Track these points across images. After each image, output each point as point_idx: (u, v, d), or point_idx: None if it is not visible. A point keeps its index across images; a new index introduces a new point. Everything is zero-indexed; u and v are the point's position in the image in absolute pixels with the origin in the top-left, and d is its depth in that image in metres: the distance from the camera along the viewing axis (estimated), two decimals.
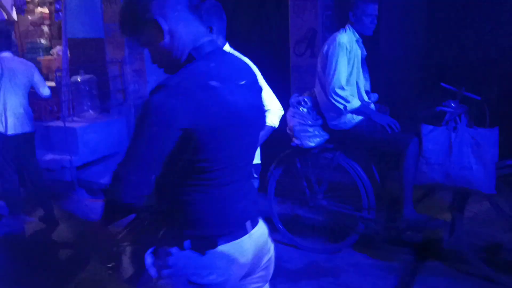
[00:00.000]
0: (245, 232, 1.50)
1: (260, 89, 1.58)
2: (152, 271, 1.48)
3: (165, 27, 1.40)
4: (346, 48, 3.36)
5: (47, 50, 6.69)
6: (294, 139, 3.60)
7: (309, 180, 3.77)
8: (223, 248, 1.45)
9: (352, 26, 3.45)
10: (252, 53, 5.44)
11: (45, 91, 4.20)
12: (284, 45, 4.89)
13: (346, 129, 3.52)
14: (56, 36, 6.75)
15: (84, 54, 5.79)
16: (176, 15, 1.40)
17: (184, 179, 1.43)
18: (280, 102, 2.68)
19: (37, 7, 6.92)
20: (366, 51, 3.55)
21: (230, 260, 1.46)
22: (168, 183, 1.46)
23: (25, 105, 4.07)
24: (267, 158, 4.23)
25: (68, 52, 5.43)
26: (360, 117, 3.48)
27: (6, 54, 4.02)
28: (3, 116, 3.95)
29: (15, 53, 4.65)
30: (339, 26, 3.57)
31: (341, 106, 3.37)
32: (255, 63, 2.36)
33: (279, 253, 3.67)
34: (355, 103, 3.39)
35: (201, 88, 1.33)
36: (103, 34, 5.73)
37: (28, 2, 6.64)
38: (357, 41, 3.45)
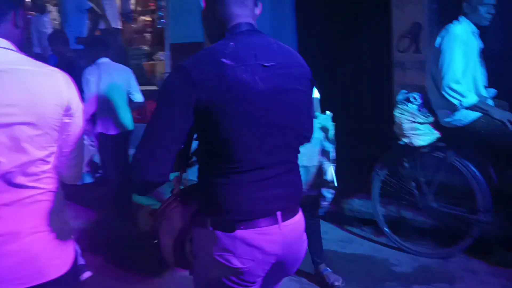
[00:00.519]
0: (274, 222, 1.45)
1: (299, 79, 1.50)
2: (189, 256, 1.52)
3: (203, 4, 1.48)
4: (462, 40, 3.17)
5: (149, 55, 7.05)
6: (402, 138, 3.45)
7: (418, 181, 3.61)
8: (244, 233, 1.42)
9: (466, 17, 3.25)
10: (352, 49, 5.44)
11: (137, 97, 4.39)
12: (385, 40, 4.73)
13: (460, 126, 3.31)
14: (157, 42, 7.09)
15: (185, 58, 6.00)
16: None
17: (206, 161, 1.45)
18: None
19: (140, 15, 7.32)
20: (483, 43, 3.32)
21: (251, 246, 1.42)
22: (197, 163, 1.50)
23: (123, 106, 4.30)
24: (368, 157, 4.15)
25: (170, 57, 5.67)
26: (476, 114, 3.26)
27: (104, 60, 4.29)
28: (104, 117, 4.25)
29: (121, 59, 4.93)
30: (445, 20, 3.38)
31: (456, 102, 3.18)
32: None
33: (385, 256, 3.60)
34: (472, 98, 3.18)
35: (213, 65, 1.35)
36: (203, 38, 5.91)
37: (132, 11, 7.03)
38: (473, 32, 3.24)
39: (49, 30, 6.74)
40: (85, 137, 4.34)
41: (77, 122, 1.43)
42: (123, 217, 4.37)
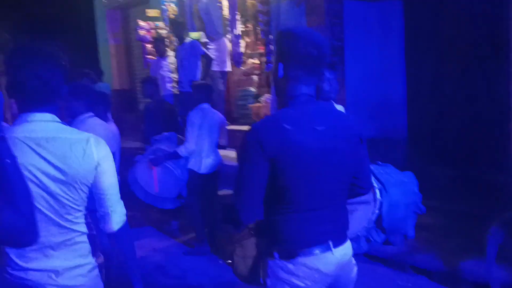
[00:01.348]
0: (327, 248, 1.81)
1: (348, 140, 1.82)
2: (262, 278, 1.88)
3: (281, 73, 1.81)
4: None
5: (256, 97, 7.28)
6: None
7: None
8: (304, 260, 1.78)
9: None
10: (465, 91, 5.15)
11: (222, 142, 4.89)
12: (503, 83, 4.42)
13: None
14: (264, 84, 7.32)
15: None
16: (288, 65, 1.79)
17: (271, 202, 1.78)
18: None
19: (249, 58, 7.63)
20: None
21: (312, 269, 1.79)
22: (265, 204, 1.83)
23: (214, 149, 4.78)
24: (483, 210, 3.83)
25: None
26: None
27: (205, 106, 4.73)
28: (199, 158, 4.67)
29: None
30: None
31: None
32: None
33: None
34: None
35: (276, 129, 1.71)
36: None
37: (242, 54, 7.35)
38: None
39: (166, 73, 7.31)
40: (179, 171, 4.85)
41: (108, 177, 1.82)
42: (205, 242, 4.76)
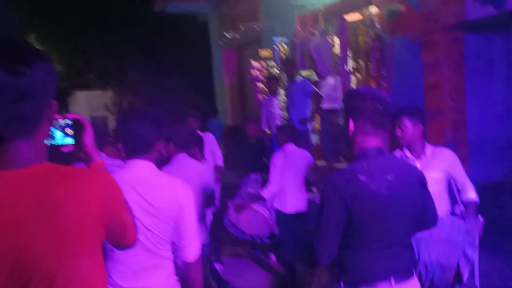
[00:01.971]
0: (389, 285, 2.00)
1: (413, 185, 2.08)
2: None
3: (352, 128, 2.07)
4: None
5: None
6: None
7: None
8: None
9: None
10: None
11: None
12: None
13: None
14: None
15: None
16: (358, 120, 2.04)
17: (343, 238, 2.02)
18: None
19: None
20: None
21: None
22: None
23: (301, 189, 4.83)
24: None
25: None
26: None
27: (289, 146, 4.84)
28: (284, 198, 4.79)
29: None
30: None
31: None
32: None
33: None
34: None
35: (353, 180, 1.97)
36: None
37: None
38: None
39: (277, 111, 7.42)
40: (267, 212, 5.03)
41: (188, 217, 2.19)
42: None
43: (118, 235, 1.50)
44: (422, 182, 2.13)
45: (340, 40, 6.64)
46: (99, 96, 22.18)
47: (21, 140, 1.27)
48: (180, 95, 14.77)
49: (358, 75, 7.44)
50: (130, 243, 1.60)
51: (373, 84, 6.91)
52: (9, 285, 1.21)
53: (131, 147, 2.20)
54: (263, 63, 8.65)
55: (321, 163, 6.71)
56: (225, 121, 10.65)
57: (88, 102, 24.43)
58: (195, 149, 4.04)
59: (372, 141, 2.05)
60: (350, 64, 6.90)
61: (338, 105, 6.89)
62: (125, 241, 1.57)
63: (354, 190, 1.95)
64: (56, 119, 1.45)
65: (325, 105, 6.84)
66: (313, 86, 6.89)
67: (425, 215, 2.17)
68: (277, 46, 8.05)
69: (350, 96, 2.12)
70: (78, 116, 1.55)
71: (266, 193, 4.79)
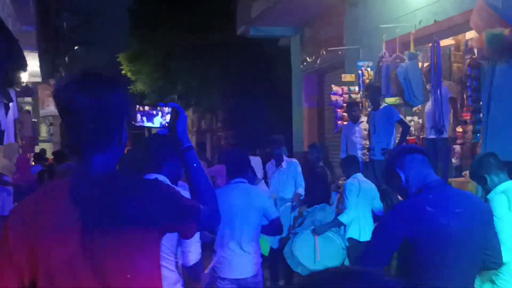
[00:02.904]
0: None
1: (480, 220, 2.04)
2: None
3: (402, 176, 2.09)
4: None
5: (458, 170, 6.41)
6: None
7: None
8: None
9: None
10: None
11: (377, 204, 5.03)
12: None
13: None
14: (468, 156, 6.42)
15: None
16: (409, 166, 2.09)
17: (403, 273, 2.03)
18: None
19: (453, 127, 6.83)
20: None
21: None
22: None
23: (369, 218, 4.92)
24: None
25: None
26: None
27: (359, 175, 5.07)
28: (358, 225, 4.85)
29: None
30: None
31: None
32: None
33: None
34: None
35: (419, 211, 1.98)
36: None
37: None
38: None
39: (358, 139, 6.97)
40: (340, 240, 4.95)
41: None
42: None
43: (185, 228, 1.59)
44: (490, 217, 2.13)
45: (432, 66, 6.11)
46: None
47: (96, 154, 1.47)
48: (260, 119, 14.75)
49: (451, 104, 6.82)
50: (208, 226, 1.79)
51: (468, 115, 6.28)
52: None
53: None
54: (345, 88, 8.25)
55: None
56: (302, 148, 10.35)
57: None
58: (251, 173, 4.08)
59: (431, 174, 2.09)
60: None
61: (428, 135, 6.29)
62: (194, 228, 1.60)
63: (421, 220, 1.95)
64: (157, 106, 1.68)
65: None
66: (399, 114, 6.39)
67: (490, 254, 2.13)
68: (361, 71, 7.64)
69: (391, 155, 2.32)
70: (175, 105, 1.71)
71: (345, 218, 4.78)
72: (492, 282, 2.87)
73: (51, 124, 22.05)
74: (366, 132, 6.94)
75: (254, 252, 3.46)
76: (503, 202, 2.84)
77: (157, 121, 1.69)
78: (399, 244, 1.97)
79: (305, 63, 10.79)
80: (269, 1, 9.85)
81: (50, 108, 19.67)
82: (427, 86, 6.37)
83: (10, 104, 7.20)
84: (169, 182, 2.35)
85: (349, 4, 8.72)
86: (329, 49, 9.16)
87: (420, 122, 7.29)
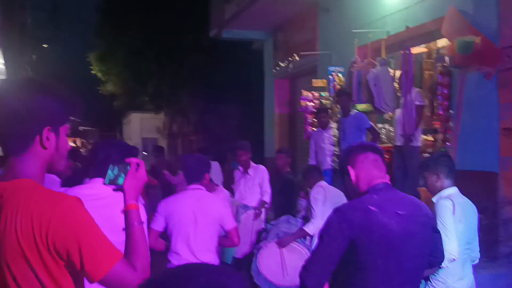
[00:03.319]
0: None
1: (423, 223, 2.10)
2: None
3: (352, 173, 2.16)
4: None
5: None
6: None
7: None
8: None
9: None
10: None
11: None
12: None
13: None
14: None
15: (473, 188, 5.06)
16: (360, 166, 2.15)
17: (346, 280, 2.04)
18: None
19: (422, 135, 6.75)
20: None
21: None
22: (338, 278, 2.09)
23: None
24: None
25: None
26: None
27: (323, 183, 4.83)
28: None
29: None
30: None
31: None
32: None
33: None
34: None
35: (362, 210, 2.00)
36: (496, 169, 4.91)
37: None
38: None
39: (327, 146, 6.81)
40: (306, 251, 4.58)
41: None
42: None
43: (77, 264, 1.42)
44: (431, 220, 2.17)
45: (404, 73, 6.00)
46: (152, 119, 22.42)
47: (14, 157, 1.49)
48: (230, 123, 14.53)
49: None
50: (93, 277, 1.43)
51: (438, 124, 6.19)
52: None
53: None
54: (316, 94, 8.10)
55: None
56: (273, 154, 10.16)
57: (141, 123, 24.81)
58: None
59: (379, 177, 2.11)
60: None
61: (397, 142, 6.17)
62: (86, 274, 1.43)
63: (364, 220, 1.95)
64: (116, 164, 1.72)
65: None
66: (369, 121, 6.26)
67: (434, 254, 2.18)
68: (332, 76, 7.50)
69: (346, 152, 2.32)
70: (134, 160, 1.70)
71: (311, 228, 4.48)
72: (426, 279, 2.91)
73: None
74: (335, 139, 6.80)
75: (210, 262, 3.22)
76: (448, 206, 2.85)
77: (108, 176, 1.72)
78: (346, 246, 1.96)
79: (277, 68, 10.63)
80: (240, 4, 9.67)
81: None
82: (398, 93, 6.27)
83: None
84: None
85: (322, 9, 8.61)
86: (301, 53, 9.01)
87: (392, 130, 7.20)
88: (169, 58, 16.01)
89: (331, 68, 7.56)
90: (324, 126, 6.80)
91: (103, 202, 2.19)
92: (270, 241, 4.68)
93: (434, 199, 2.99)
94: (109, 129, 31.17)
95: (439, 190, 2.96)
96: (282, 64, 10.37)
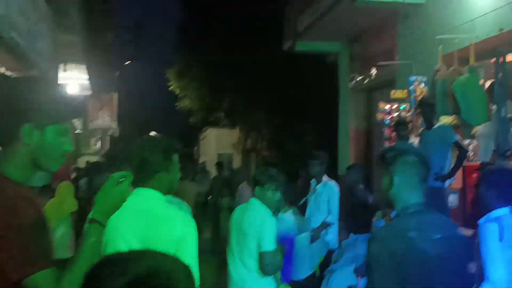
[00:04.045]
0: None
1: (457, 245, 2.01)
2: None
3: (396, 181, 2.07)
4: None
5: None
6: None
7: None
8: None
9: None
10: None
11: None
12: None
13: None
14: None
15: None
16: (405, 176, 2.04)
17: None
18: None
19: None
20: None
21: None
22: None
23: None
24: None
25: None
26: None
27: None
28: None
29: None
30: None
31: None
32: None
33: None
34: None
35: (401, 236, 1.92)
36: None
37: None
38: None
39: None
40: None
41: None
42: None
43: None
44: (466, 246, 2.12)
45: (497, 82, 5.30)
46: (227, 135, 22.57)
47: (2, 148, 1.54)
48: (304, 139, 14.15)
49: None
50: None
51: None
52: None
53: None
54: (395, 106, 7.50)
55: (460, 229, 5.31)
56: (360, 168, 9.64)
57: (216, 139, 25.11)
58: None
59: (417, 196, 2.03)
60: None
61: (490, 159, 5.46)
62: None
63: (404, 248, 1.90)
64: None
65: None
66: (455, 134, 5.62)
67: (468, 277, 2.15)
68: (413, 86, 6.89)
69: (391, 151, 2.13)
70: (122, 175, 1.61)
71: None
72: None
73: (99, 138, 22.33)
74: None
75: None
76: (493, 231, 2.68)
77: None
78: (398, 272, 1.90)
79: (353, 80, 10.15)
80: (315, 14, 9.34)
81: (98, 121, 19.93)
82: (489, 105, 5.56)
83: None
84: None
85: (401, 16, 8.05)
86: (379, 63, 8.47)
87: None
88: (243, 73, 16.01)
89: (412, 78, 6.95)
90: (403, 140, 6.23)
91: None
92: (346, 264, 4.14)
93: (480, 221, 2.82)
94: (187, 145, 31.95)
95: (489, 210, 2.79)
96: (358, 76, 9.87)
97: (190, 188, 7.72)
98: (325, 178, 5.58)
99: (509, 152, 5.05)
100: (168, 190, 2.24)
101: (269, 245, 3.29)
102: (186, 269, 1.00)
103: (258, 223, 3.31)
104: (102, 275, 0.94)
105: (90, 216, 1.55)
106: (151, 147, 2.18)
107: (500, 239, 2.61)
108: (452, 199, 6.09)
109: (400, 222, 2.02)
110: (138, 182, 2.12)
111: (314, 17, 9.41)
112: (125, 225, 2.05)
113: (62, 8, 8.53)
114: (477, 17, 6.07)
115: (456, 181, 5.94)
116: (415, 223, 1.96)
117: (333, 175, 8.03)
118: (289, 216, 4.46)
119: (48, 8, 6.85)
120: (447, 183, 5.58)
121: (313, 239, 5.08)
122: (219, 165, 11.01)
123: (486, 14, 5.92)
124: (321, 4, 9.03)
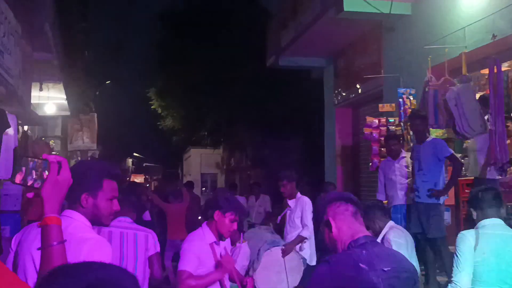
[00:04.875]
0: None
1: (406, 278, 1.98)
2: None
3: (333, 224, 2.09)
4: None
5: None
6: None
7: None
8: None
9: None
10: None
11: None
12: None
13: None
14: None
15: None
16: (341, 218, 2.09)
17: None
18: None
19: None
20: None
21: None
22: None
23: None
24: None
25: None
26: None
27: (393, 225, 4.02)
28: None
29: None
30: None
31: None
32: None
33: None
34: None
35: (352, 266, 1.90)
36: None
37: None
38: None
39: (398, 178, 5.90)
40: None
41: None
42: None
43: None
44: (414, 274, 2.06)
45: (492, 92, 5.03)
46: (211, 154, 22.16)
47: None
48: (288, 156, 13.80)
49: None
50: None
51: None
52: None
53: None
54: (383, 120, 7.21)
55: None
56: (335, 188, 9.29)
57: (200, 159, 24.66)
58: None
59: (361, 230, 2.06)
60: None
61: (487, 175, 5.15)
62: None
63: (352, 276, 1.89)
64: (30, 159, 1.50)
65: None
66: (448, 148, 5.32)
67: None
68: (402, 99, 6.61)
69: (324, 202, 2.18)
70: (51, 157, 1.47)
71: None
72: None
73: (79, 159, 21.72)
74: (409, 170, 5.86)
75: None
76: (467, 237, 2.96)
77: (22, 177, 1.49)
78: None
79: (338, 96, 9.89)
80: (299, 27, 9.10)
81: (78, 143, 19.36)
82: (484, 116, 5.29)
83: (10, 131, 6.49)
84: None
85: (386, 29, 7.83)
86: (365, 76, 8.22)
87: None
88: (226, 91, 15.70)
89: (401, 90, 6.67)
90: (394, 155, 5.91)
91: None
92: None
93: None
94: (172, 165, 31.38)
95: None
96: (343, 92, 9.62)
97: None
98: (298, 195, 5.30)
99: (506, 166, 4.75)
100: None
101: None
102: (133, 278, 1.09)
103: None
104: (55, 284, 1.01)
105: None
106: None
107: (474, 245, 2.84)
108: (445, 217, 5.77)
109: (354, 253, 2.00)
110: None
111: (297, 30, 9.17)
112: None
113: (36, 25, 8.17)
114: (467, 25, 5.84)
115: (448, 198, 5.63)
116: (366, 255, 1.97)
117: (319, 193, 7.68)
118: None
119: (17, 23, 6.46)
120: (441, 199, 5.26)
121: (285, 252, 4.90)
122: (189, 184, 10.34)
123: (476, 22, 5.69)
124: (304, 17, 8.80)
